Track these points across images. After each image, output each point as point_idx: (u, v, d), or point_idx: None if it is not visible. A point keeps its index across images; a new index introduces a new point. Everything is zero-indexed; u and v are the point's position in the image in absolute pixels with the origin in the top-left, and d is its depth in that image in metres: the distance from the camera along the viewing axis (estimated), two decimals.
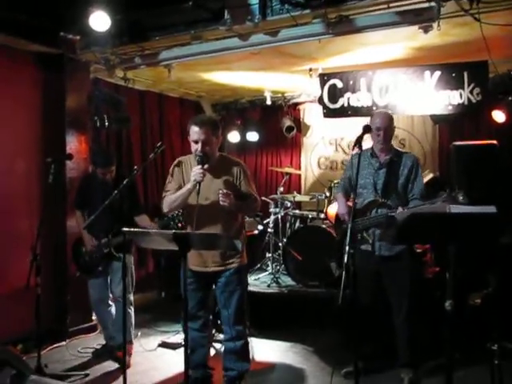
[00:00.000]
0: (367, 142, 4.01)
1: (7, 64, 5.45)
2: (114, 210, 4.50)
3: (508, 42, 5.13)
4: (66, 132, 5.76)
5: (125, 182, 4.18)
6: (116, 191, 4.20)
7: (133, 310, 5.08)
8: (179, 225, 4.62)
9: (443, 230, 2.85)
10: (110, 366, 4.91)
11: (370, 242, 4.30)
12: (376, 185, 4.32)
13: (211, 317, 4.42)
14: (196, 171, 3.69)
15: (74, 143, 5.81)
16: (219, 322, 5.07)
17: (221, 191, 3.72)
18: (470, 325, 4.52)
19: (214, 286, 4.09)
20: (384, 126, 4.31)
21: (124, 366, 3.86)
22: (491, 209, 2.80)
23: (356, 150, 3.37)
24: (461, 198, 3.88)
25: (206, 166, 3.72)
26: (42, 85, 5.81)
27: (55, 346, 5.39)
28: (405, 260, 4.28)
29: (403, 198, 4.27)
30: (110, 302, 5.13)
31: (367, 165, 4.40)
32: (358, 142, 3.35)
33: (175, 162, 4.08)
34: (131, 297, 5.05)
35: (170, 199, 3.94)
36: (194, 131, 3.79)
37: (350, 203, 4.43)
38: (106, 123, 6.07)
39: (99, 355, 5.14)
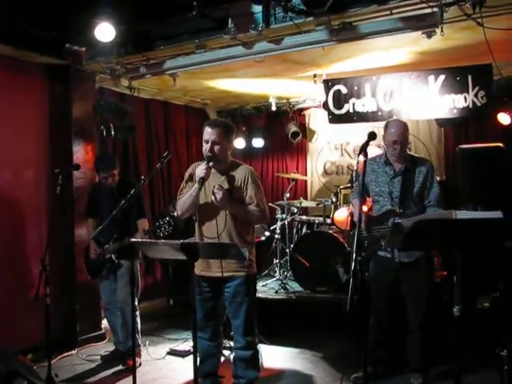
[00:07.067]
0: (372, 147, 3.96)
1: (15, 76, 5.49)
2: (119, 217, 4.50)
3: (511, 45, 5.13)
4: (72, 142, 5.79)
5: (132, 193, 4.19)
6: (123, 201, 4.20)
7: (138, 315, 5.11)
8: (165, 233, 4.53)
9: (449, 235, 2.87)
10: (119, 373, 4.92)
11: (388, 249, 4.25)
12: (392, 193, 4.24)
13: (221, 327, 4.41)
14: (200, 168, 3.74)
15: (80, 153, 5.85)
16: (227, 329, 5.08)
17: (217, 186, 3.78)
18: (478, 328, 4.52)
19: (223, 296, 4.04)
20: (400, 139, 4.19)
21: (134, 371, 3.78)
22: (497, 214, 2.81)
23: (361, 157, 3.34)
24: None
25: (210, 164, 3.75)
26: (48, 96, 5.86)
27: (65, 354, 5.41)
28: (423, 267, 4.25)
29: (420, 206, 4.21)
30: (119, 306, 5.15)
31: (382, 172, 4.33)
32: (363, 149, 3.31)
33: (190, 167, 4.10)
34: (136, 302, 5.05)
35: (181, 201, 3.97)
36: (206, 131, 3.83)
37: (364, 208, 4.35)
38: (112, 132, 6.12)
39: (108, 360, 5.18)
